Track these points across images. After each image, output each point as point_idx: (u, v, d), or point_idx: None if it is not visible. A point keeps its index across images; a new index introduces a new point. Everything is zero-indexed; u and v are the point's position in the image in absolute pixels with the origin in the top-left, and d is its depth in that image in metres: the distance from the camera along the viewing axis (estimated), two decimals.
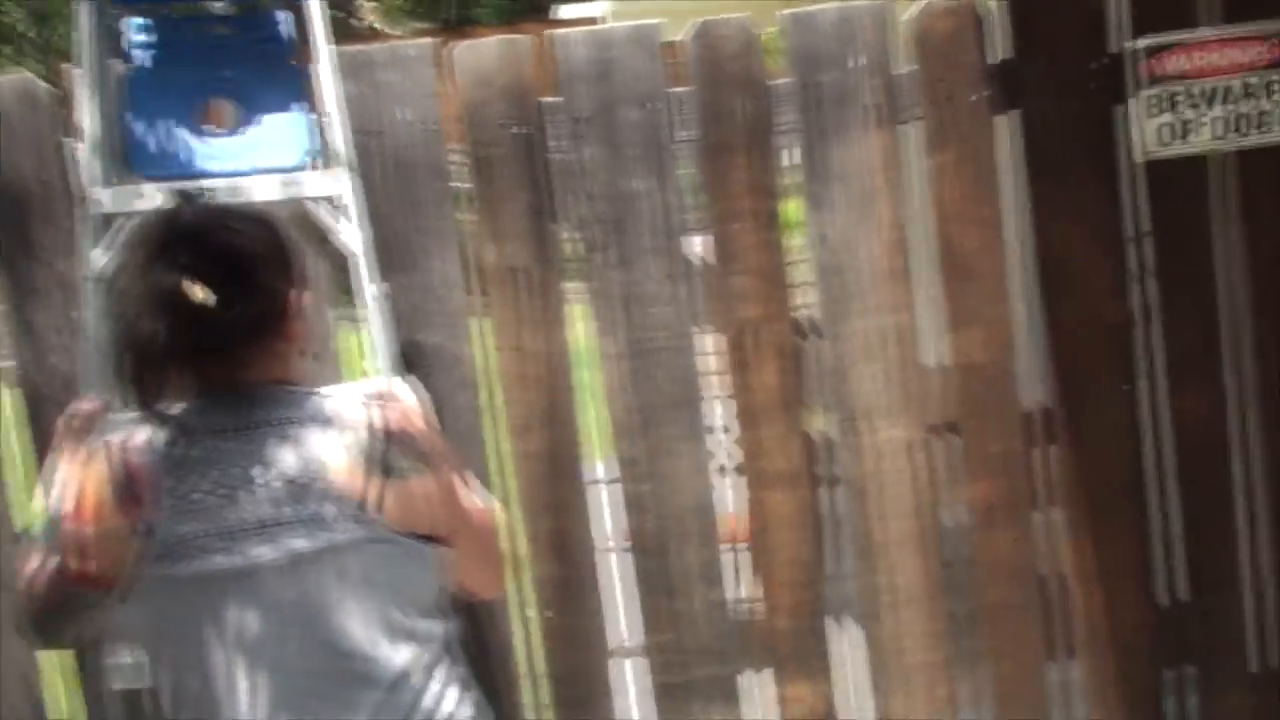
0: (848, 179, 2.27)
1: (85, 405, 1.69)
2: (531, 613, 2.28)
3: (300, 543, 1.54)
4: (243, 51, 2.02)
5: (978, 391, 2.33)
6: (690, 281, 2.28)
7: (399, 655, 1.58)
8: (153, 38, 2.03)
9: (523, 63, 2.21)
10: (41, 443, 2.15)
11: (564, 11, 8.86)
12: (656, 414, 2.27)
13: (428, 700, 1.60)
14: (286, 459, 1.56)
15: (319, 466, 1.56)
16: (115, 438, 1.64)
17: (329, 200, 1.94)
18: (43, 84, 2.14)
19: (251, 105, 2.01)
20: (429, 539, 1.63)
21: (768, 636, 2.33)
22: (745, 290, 2.28)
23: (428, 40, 2.22)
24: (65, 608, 1.61)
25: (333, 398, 1.63)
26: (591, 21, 9.54)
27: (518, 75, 2.21)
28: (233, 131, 2.00)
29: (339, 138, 1.97)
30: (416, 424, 1.65)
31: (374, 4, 18.83)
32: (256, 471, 1.56)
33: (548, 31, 2.20)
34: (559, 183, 2.24)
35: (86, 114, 1.95)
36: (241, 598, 1.54)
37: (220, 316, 1.53)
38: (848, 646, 2.38)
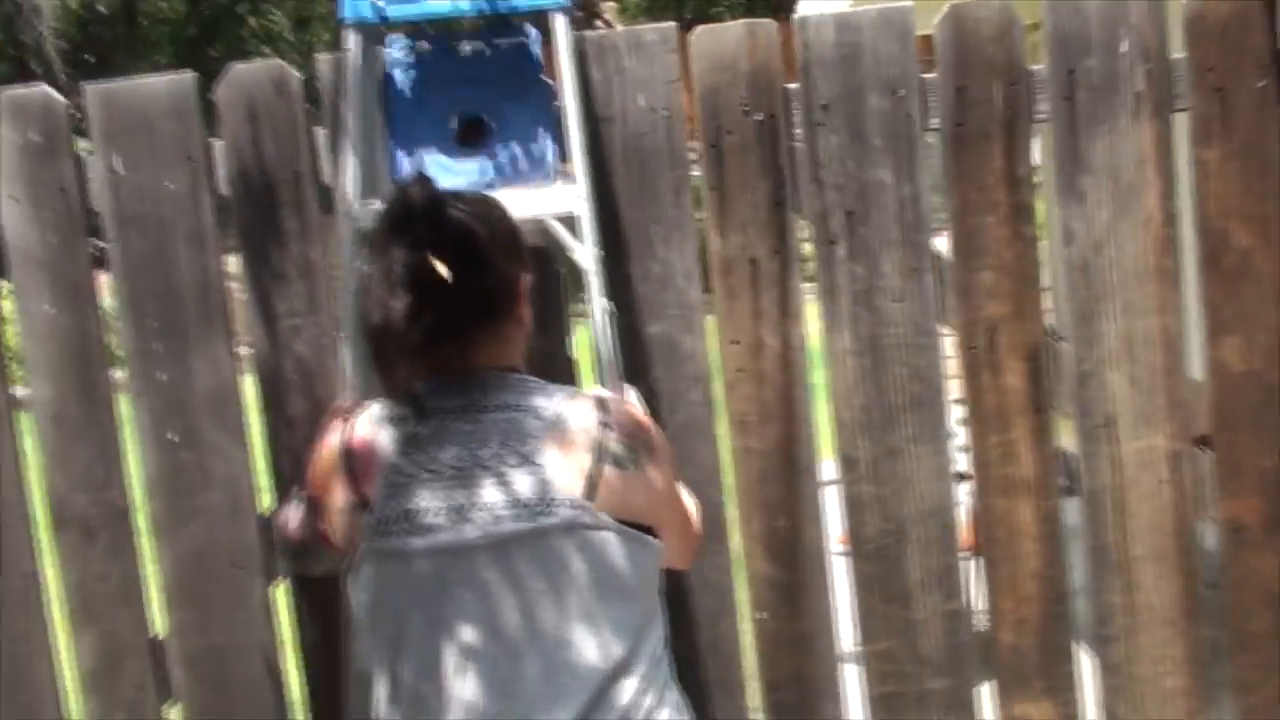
0: (1105, 171, 2.14)
1: (344, 405, 1.76)
2: (761, 615, 2.22)
3: (515, 525, 1.54)
4: (494, 71, 2.06)
5: (1235, 403, 2.16)
6: (933, 277, 2.18)
7: (607, 645, 1.56)
8: (410, 58, 2.09)
9: (767, 47, 2.15)
10: (282, 429, 2.21)
11: (803, 8, 8.77)
12: (890, 414, 2.18)
13: (632, 695, 1.57)
14: (510, 443, 1.55)
15: (540, 453, 1.54)
16: (353, 415, 1.69)
17: (567, 218, 1.95)
18: (295, 72, 2.19)
19: (501, 123, 2.05)
20: (645, 531, 1.61)
21: (1000, 650, 2.21)
22: (991, 287, 2.16)
23: (669, 25, 2.18)
24: (308, 555, 1.78)
25: (559, 391, 1.62)
26: None
27: (761, 60, 2.15)
28: (482, 149, 2.04)
29: (581, 157, 1.97)
30: (640, 418, 1.63)
31: (613, 4, 19.11)
32: (483, 454, 1.57)
33: (797, 17, 2.13)
34: (800, 172, 2.17)
35: (350, 132, 2.00)
36: (455, 576, 1.57)
37: (456, 294, 1.53)
38: (1080, 666, 2.24)
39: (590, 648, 1.55)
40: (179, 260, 2.19)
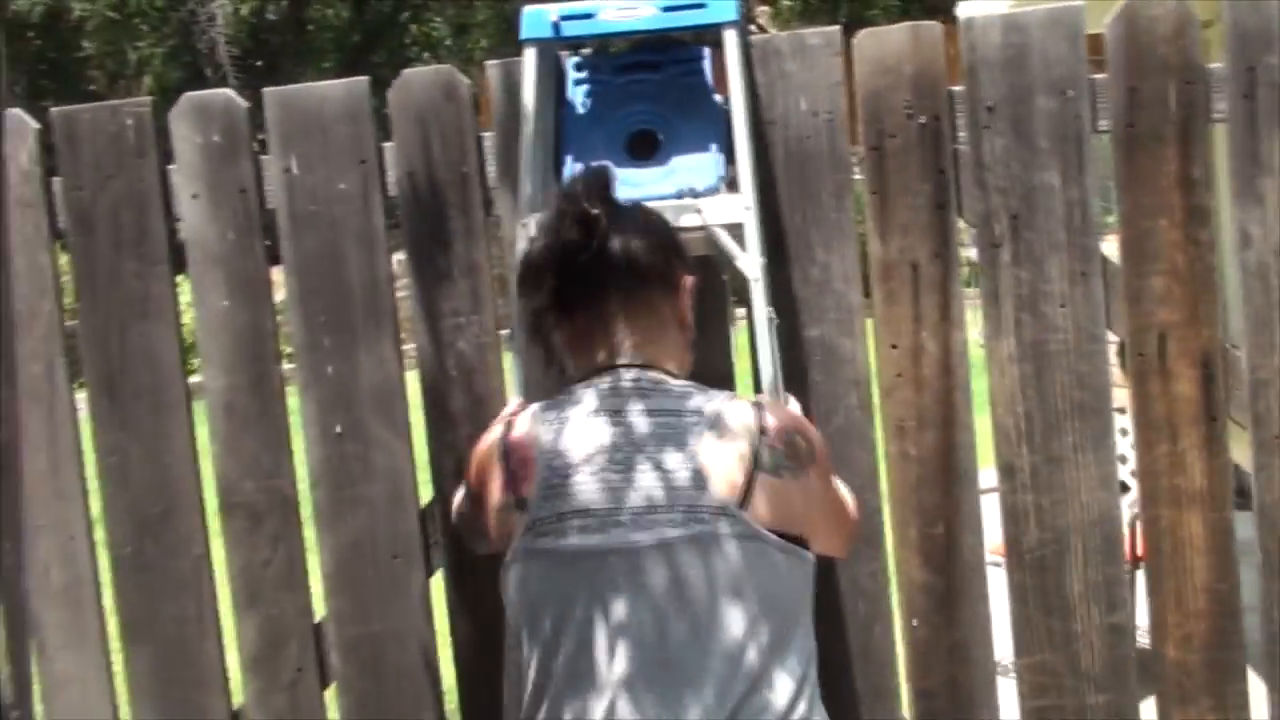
0: None
1: (511, 409, 1.80)
2: (915, 622, 2.19)
3: (671, 532, 1.54)
4: (667, 87, 2.09)
5: None
6: (1101, 282, 2.12)
7: (753, 653, 1.56)
8: (586, 74, 2.14)
9: (931, 49, 2.13)
10: (443, 425, 2.26)
11: (963, 8, 8.62)
12: (1054, 421, 2.13)
13: (786, 700, 1.57)
14: (666, 449, 1.55)
15: (696, 459, 1.55)
16: (516, 414, 1.71)
17: (733, 227, 1.98)
18: (463, 78, 2.24)
19: (672, 137, 2.08)
20: (800, 542, 1.60)
21: (1164, 666, 2.14)
22: (1163, 293, 2.10)
23: (833, 29, 2.17)
24: (474, 542, 1.85)
25: (718, 395, 1.63)
26: None
27: (925, 62, 2.12)
28: (654, 161, 2.07)
29: (748, 168, 1.99)
30: (799, 425, 1.63)
31: (767, 8, 19.06)
32: (636, 459, 1.58)
33: (962, 18, 2.10)
34: (963, 176, 2.13)
35: (526, 145, 2.04)
36: (605, 579, 1.57)
37: (605, 248, 1.63)
38: (1250, 686, 2.16)
39: (739, 653, 1.55)
40: (349, 258, 2.26)
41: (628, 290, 1.67)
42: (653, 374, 1.66)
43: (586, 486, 1.59)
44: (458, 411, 2.26)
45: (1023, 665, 2.18)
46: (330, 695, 2.36)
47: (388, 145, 2.26)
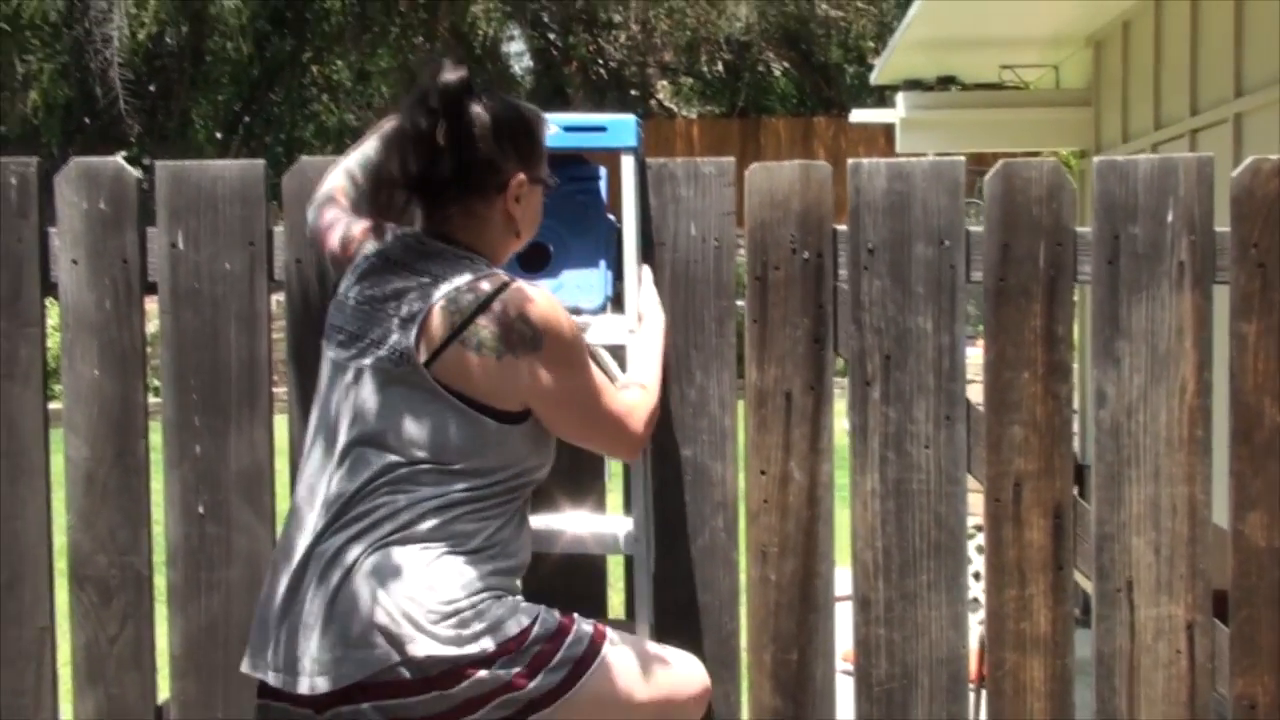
0: (1142, 337, 2.16)
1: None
2: None
3: (373, 362, 1.87)
4: (562, 203, 2.13)
5: (1256, 578, 2.16)
6: (965, 426, 2.20)
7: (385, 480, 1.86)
8: None
9: (819, 188, 2.20)
10: None
11: (856, 115, 8.87)
12: (911, 558, 2.19)
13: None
14: (409, 298, 1.86)
15: (420, 313, 1.84)
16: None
17: (616, 348, 2.08)
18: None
19: (563, 252, 2.14)
20: (497, 412, 1.85)
21: None
22: (1021, 442, 2.18)
23: (728, 159, 2.23)
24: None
25: (488, 273, 1.87)
26: (883, 128, 9.52)
27: (812, 200, 2.20)
28: (545, 274, 2.12)
29: (634, 290, 2.07)
30: (529, 318, 1.84)
31: (669, 84, 19.35)
32: (387, 305, 1.88)
33: (850, 161, 2.17)
34: (841, 312, 2.20)
35: None
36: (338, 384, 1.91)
37: (439, 155, 1.84)
38: None
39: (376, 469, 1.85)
40: (228, 339, 2.24)
41: (453, 162, 1.86)
42: (449, 245, 1.90)
43: (352, 310, 1.92)
44: None
45: None
46: None
47: (278, 229, 2.26)
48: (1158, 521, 2.17)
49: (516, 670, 1.81)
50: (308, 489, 1.91)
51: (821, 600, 2.21)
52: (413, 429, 1.84)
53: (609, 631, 1.92)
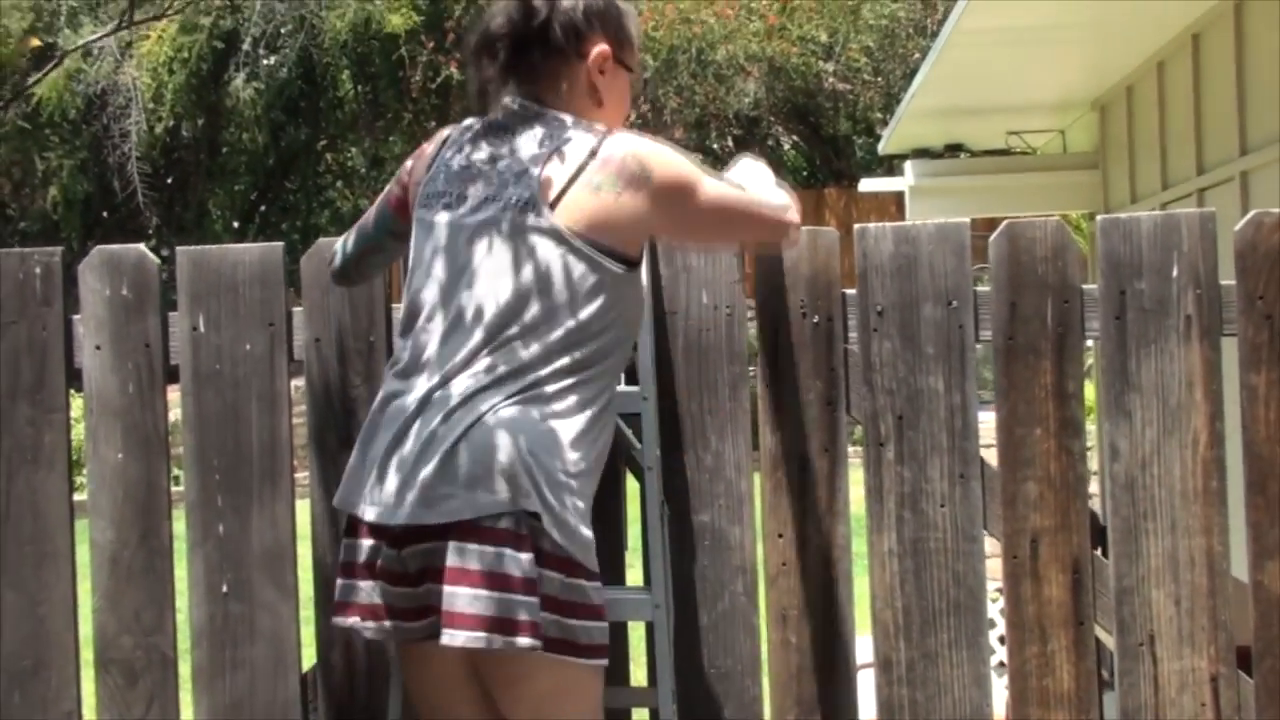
0: (1153, 390, 2.18)
1: None
2: None
3: (485, 215, 1.92)
4: None
5: (1278, 630, 2.16)
6: (979, 484, 2.21)
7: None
8: None
9: (827, 253, 2.24)
10: (333, 590, 2.25)
11: (865, 184, 8.96)
12: (930, 618, 2.20)
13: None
14: (520, 154, 1.94)
15: (535, 163, 1.92)
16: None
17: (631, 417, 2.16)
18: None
19: None
20: (606, 251, 1.90)
21: None
22: (1036, 499, 2.20)
23: None
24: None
25: (590, 127, 1.96)
26: (894, 197, 9.61)
27: (820, 265, 2.23)
28: None
29: (649, 360, 2.14)
30: (641, 157, 1.91)
31: None
32: (494, 158, 1.96)
33: (856, 227, 2.21)
34: (852, 374, 2.23)
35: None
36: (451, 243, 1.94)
37: (535, 16, 1.97)
38: None
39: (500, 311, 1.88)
40: (250, 419, 2.28)
41: (547, 44, 1.98)
42: (548, 110, 1.97)
43: (449, 178, 1.98)
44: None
45: None
46: None
47: (297, 310, 2.30)
48: (1177, 574, 2.18)
49: (550, 594, 1.82)
50: (416, 351, 1.92)
51: (843, 662, 2.21)
52: (535, 279, 1.88)
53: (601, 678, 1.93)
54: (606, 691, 1.97)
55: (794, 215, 2.02)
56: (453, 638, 1.79)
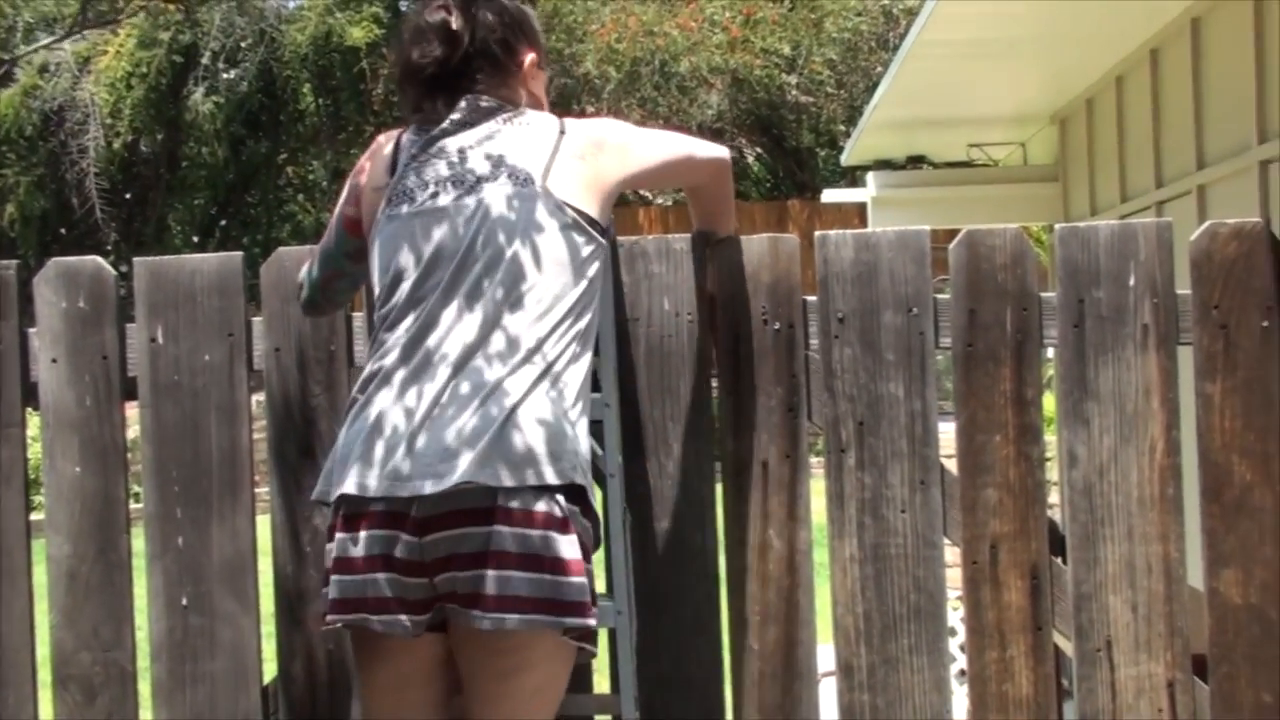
0: (1110, 398, 2.20)
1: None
2: None
3: (477, 195, 1.94)
4: None
5: (1233, 635, 2.18)
6: (940, 490, 2.22)
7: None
8: None
9: (788, 260, 2.25)
10: (293, 602, 2.23)
11: (828, 195, 9.00)
12: (891, 622, 2.21)
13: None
14: (495, 138, 1.98)
15: (516, 142, 1.96)
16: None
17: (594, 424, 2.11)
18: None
19: None
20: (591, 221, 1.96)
21: None
22: (995, 504, 2.21)
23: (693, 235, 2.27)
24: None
25: (539, 112, 2.03)
26: (856, 208, 9.66)
27: (782, 272, 2.24)
28: None
29: (611, 366, 2.14)
30: (598, 125, 2.02)
31: None
32: (469, 146, 1.98)
33: (817, 234, 2.22)
34: (814, 381, 2.24)
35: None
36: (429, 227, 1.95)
37: (460, 43, 1.99)
38: None
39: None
40: (209, 430, 2.26)
41: (490, 65, 2.03)
42: (492, 101, 2.02)
43: (419, 172, 1.99)
44: (309, 588, 2.25)
45: None
46: None
47: (256, 319, 2.29)
48: (1134, 580, 2.20)
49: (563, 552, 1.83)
50: (418, 331, 1.90)
51: (805, 668, 2.22)
52: (536, 253, 1.90)
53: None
54: (569, 698, 1.96)
55: (725, 153, 2.17)
56: (503, 621, 1.78)
